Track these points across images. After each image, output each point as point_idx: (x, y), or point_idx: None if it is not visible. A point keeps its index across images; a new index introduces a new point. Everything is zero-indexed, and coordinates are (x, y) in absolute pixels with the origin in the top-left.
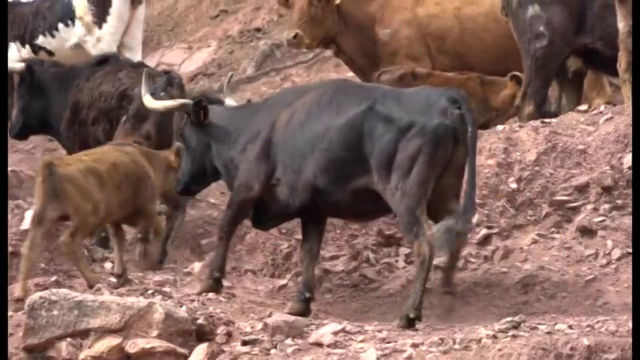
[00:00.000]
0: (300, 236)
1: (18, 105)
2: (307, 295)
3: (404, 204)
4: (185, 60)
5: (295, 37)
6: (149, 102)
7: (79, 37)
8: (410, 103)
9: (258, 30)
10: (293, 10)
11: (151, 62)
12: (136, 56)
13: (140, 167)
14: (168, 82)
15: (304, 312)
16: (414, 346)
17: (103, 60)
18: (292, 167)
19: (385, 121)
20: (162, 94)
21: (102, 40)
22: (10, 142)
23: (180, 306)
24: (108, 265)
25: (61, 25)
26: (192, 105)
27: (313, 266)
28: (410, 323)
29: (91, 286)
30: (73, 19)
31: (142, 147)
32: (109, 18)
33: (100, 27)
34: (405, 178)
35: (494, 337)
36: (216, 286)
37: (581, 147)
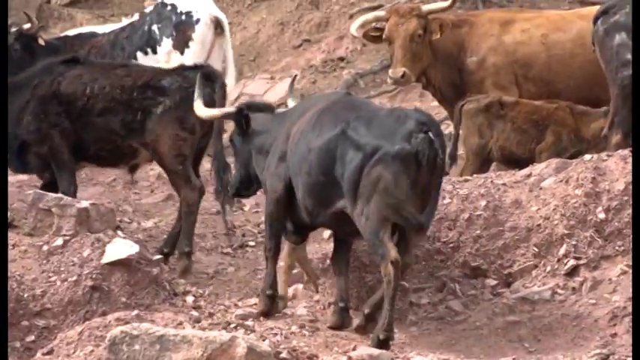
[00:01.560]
0: None
1: None
2: (341, 304)
3: (368, 228)
4: (267, 90)
5: (403, 75)
6: (199, 109)
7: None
8: (378, 127)
9: (341, 59)
10: (394, 47)
11: (233, 93)
12: None
13: None
14: (207, 77)
15: (343, 323)
16: None
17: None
18: (295, 183)
19: (354, 147)
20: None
21: None
22: (91, 174)
23: (263, 340)
24: (190, 299)
25: (139, 54)
26: (234, 114)
27: (346, 276)
28: (381, 344)
29: None
30: (152, 48)
31: None
32: (191, 44)
33: (182, 53)
34: (367, 203)
35: None
36: (271, 304)
37: None
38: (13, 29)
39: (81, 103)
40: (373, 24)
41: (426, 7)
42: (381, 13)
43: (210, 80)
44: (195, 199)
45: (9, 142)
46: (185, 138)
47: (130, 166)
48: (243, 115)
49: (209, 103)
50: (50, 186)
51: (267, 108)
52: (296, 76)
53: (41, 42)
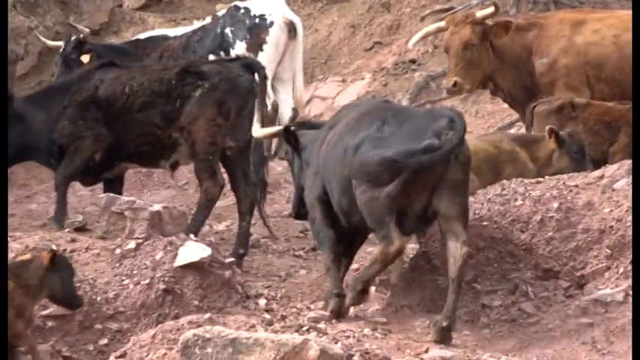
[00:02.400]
0: None
1: None
2: (336, 291)
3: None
4: (339, 93)
5: (455, 85)
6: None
7: None
8: (411, 124)
9: (412, 62)
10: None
11: (305, 96)
12: (287, 89)
13: None
14: (248, 67)
15: (339, 309)
16: None
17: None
18: (330, 189)
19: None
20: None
21: None
22: (163, 177)
23: (336, 342)
24: (262, 302)
25: (212, 57)
26: (281, 132)
27: (346, 269)
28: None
29: None
30: (225, 50)
31: None
32: (265, 46)
33: (255, 56)
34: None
35: None
36: (339, 303)
37: None
38: (73, 37)
39: (120, 102)
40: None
41: (479, 14)
42: (442, 23)
43: (252, 71)
44: (216, 195)
45: (48, 148)
46: (220, 124)
47: (171, 163)
48: (290, 132)
49: (251, 92)
50: (110, 184)
51: (319, 126)
52: None
53: (85, 59)
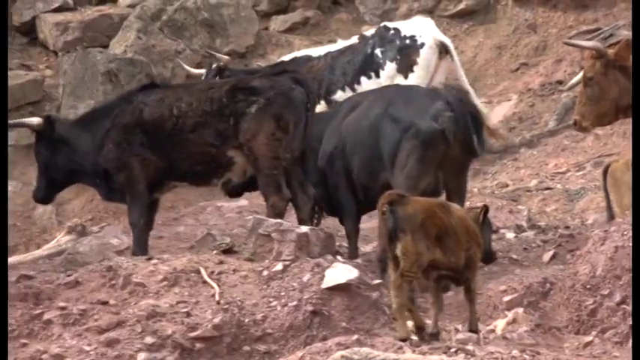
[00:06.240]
0: (605, 292)
1: (39, 167)
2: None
3: None
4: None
5: (575, 123)
6: None
7: None
8: (413, 105)
9: (559, 82)
10: None
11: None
12: None
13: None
14: (298, 82)
15: None
16: None
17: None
18: (352, 167)
19: (393, 122)
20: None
21: None
22: None
23: None
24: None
25: (363, 79)
26: None
27: None
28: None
29: (402, 339)
30: (375, 72)
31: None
32: (415, 68)
33: (405, 77)
34: (400, 172)
35: None
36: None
37: None
38: (214, 65)
39: (170, 124)
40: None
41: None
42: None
43: (301, 85)
44: (283, 209)
45: (94, 170)
46: (280, 138)
47: (223, 181)
48: None
49: (304, 105)
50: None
51: None
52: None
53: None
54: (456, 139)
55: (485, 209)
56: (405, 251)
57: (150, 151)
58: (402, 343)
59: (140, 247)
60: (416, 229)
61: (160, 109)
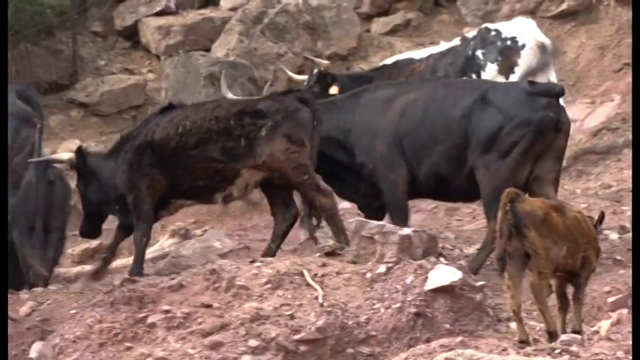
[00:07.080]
0: None
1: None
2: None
3: (493, 183)
4: (588, 115)
5: None
6: None
7: None
8: (516, 95)
9: None
10: None
11: None
12: None
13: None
14: (303, 101)
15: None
16: None
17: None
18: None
19: (495, 108)
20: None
21: None
22: (412, 202)
23: None
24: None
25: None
26: None
27: None
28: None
29: (549, 333)
30: (477, 73)
31: None
32: (516, 69)
33: (506, 78)
34: (501, 159)
35: None
36: None
37: None
38: (315, 71)
39: (174, 142)
40: None
41: None
42: None
43: (307, 105)
44: (333, 203)
45: (115, 195)
46: (297, 150)
47: (225, 196)
48: None
49: (311, 124)
50: None
51: None
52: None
53: (333, 90)
54: (564, 128)
55: (602, 216)
56: (534, 247)
57: (158, 171)
58: (505, 345)
59: (138, 267)
60: (538, 225)
61: (167, 129)
